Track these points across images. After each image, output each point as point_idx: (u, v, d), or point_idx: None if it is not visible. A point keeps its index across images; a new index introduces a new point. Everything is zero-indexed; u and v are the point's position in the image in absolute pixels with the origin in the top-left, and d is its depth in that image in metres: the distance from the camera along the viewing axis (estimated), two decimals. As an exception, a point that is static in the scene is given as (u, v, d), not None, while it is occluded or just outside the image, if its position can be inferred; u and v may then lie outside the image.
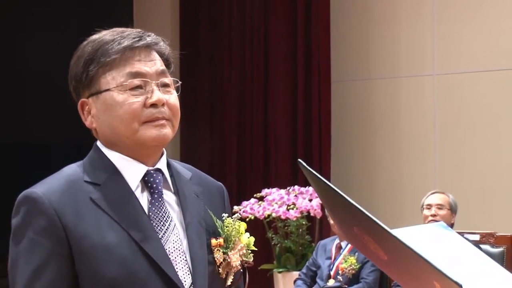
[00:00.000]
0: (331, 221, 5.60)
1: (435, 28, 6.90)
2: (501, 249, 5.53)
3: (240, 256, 1.94)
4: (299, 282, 6.01)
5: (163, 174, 1.94)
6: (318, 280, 5.94)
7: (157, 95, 1.86)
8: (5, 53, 8.84)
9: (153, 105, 1.86)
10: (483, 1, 6.60)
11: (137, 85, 1.87)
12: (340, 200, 1.42)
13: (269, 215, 6.14)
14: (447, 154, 6.78)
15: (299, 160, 1.64)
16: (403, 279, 1.50)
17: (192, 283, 1.86)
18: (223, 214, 1.98)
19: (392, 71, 7.13)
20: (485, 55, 6.60)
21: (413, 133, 6.99)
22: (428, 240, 1.44)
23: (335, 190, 1.45)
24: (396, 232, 1.38)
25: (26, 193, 1.84)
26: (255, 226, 6.12)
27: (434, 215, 5.60)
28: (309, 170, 1.50)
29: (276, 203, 6.17)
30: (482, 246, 5.55)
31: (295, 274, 6.14)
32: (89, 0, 9.16)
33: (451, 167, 6.73)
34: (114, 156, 1.91)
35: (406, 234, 1.41)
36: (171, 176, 1.97)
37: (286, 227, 6.27)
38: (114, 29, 1.94)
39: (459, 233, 5.66)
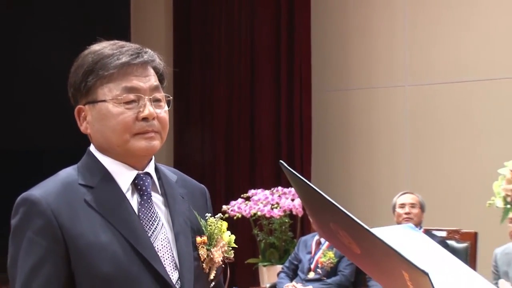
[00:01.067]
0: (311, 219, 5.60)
1: (407, 41, 6.90)
2: (465, 244, 5.55)
3: (222, 252, 1.93)
4: (282, 274, 6.02)
5: (151, 177, 1.93)
6: (299, 272, 5.96)
7: (149, 109, 1.85)
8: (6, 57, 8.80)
9: (145, 118, 1.84)
10: (453, 16, 6.57)
11: (131, 100, 1.86)
12: (319, 198, 1.42)
13: (255, 214, 6.17)
14: (418, 159, 6.79)
15: (281, 161, 1.64)
16: (374, 271, 1.50)
17: (179, 277, 1.86)
18: (206, 214, 1.98)
19: (368, 82, 7.14)
20: (453, 67, 6.60)
21: (387, 139, 7.00)
22: (398, 238, 1.43)
23: (314, 189, 1.45)
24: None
25: (24, 195, 1.83)
26: (242, 223, 6.14)
27: (408, 213, 5.63)
28: (290, 170, 1.49)
29: (261, 202, 6.21)
30: (448, 241, 5.56)
31: (279, 267, 6.16)
32: (87, 16, 9.13)
33: (421, 171, 6.74)
34: (106, 161, 1.89)
35: (378, 232, 1.40)
36: (158, 179, 1.96)
37: (270, 225, 6.29)
38: (115, 42, 1.93)
39: (427, 229, 5.73)
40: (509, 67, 6.28)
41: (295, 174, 1.47)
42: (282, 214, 6.18)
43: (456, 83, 6.58)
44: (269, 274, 6.29)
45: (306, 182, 1.46)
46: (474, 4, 6.43)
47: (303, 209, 6.02)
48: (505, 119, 6.27)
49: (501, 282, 5.12)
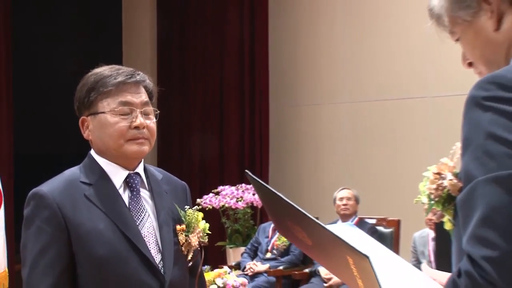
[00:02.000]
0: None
1: (345, 62, 6.89)
2: (391, 229, 5.59)
3: (198, 238, 1.94)
4: (245, 254, 6.02)
5: (140, 176, 1.93)
6: (259, 253, 5.97)
7: (140, 120, 1.86)
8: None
9: (136, 127, 1.85)
10: (388, 39, 6.58)
11: (126, 112, 1.86)
12: (278, 200, 1.39)
13: (223, 206, 6.18)
14: (354, 162, 6.81)
15: (246, 171, 1.63)
16: (324, 259, 1.47)
17: (161, 259, 1.86)
18: (186, 206, 1.98)
19: (314, 99, 7.14)
20: (381, 87, 6.63)
21: (330, 147, 7.00)
22: (341, 231, 1.40)
23: (274, 192, 1.42)
24: None
25: (35, 190, 1.84)
26: (212, 214, 6.10)
27: (345, 205, 5.66)
28: (254, 178, 1.47)
29: (228, 196, 6.22)
30: (377, 227, 5.60)
31: (242, 249, 6.16)
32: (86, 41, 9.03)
33: (357, 171, 6.76)
34: (103, 162, 1.90)
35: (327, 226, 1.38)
36: (146, 177, 1.95)
37: (235, 214, 6.30)
38: (113, 66, 1.94)
39: (361, 218, 5.72)
40: (423, 87, 6.32)
41: (258, 181, 1.45)
42: (245, 206, 6.20)
43: (384, 101, 6.61)
44: (234, 254, 6.29)
45: (267, 187, 1.44)
46: (400, 35, 6.45)
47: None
48: (422, 131, 6.32)
49: (423, 265, 5.15)
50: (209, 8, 7.63)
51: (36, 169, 7.47)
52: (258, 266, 5.75)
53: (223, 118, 7.52)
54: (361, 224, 5.57)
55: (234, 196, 6.21)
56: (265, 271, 5.73)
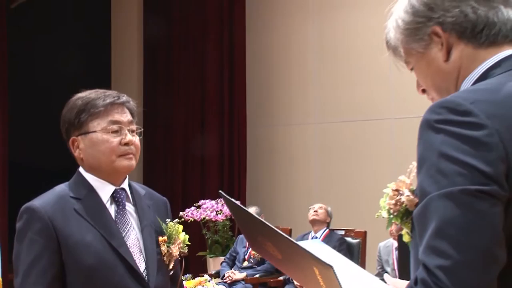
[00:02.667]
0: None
1: (314, 87, 6.94)
2: (358, 240, 5.57)
3: (179, 248, 1.94)
4: (224, 263, 5.99)
5: (126, 191, 1.93)
6: (237, 262, 5.94)
7: (129, 137, 1.87)
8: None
9: (126, 143, 1.86)
10: (354, 66, 6.62)
11: (115, 130, 1.86)
12: (250, 218, 1.38)
13: (204, 218, 6.15)
14: (325, 178, 6.84)
15: (220, 191, 1.64)
16: (293, 272, 1.46)
17: (145, 267, 1.86)
18: (167, 220, 1.98)
19: (287, 119, 7.16)
20: (349, 108, 6.67)
21: (301, 164, 7.02)
22: (309, 245, 1.40)
23: (246, 211, 1.42)
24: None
25: (27, 205, 1.82)
26: (194, 225, 6.08)
27: (316, 211, 5.61)
28: (227, 198, 1.46)
29: (208, 209, 6.18)
30: (346, 238, 5.58)
31: (221, 258, 6.13)
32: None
33: (327, 187, 6.77)
34: (91, 179, 1.89)
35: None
36: (131, 193, 1.95)
37: (215, 226, 6.27)
38: (96, 89, 1.93)
39: (332, 229, 5.71)
40: (385, 110, 6.38)
41: (231, 200, 1.44)
42: (224, 218, 6.17)
43: (350, 122, 6.65)
44: (214, 263, 6.25)
45: (240, 206, 1.44)
46: (366, 61, 6.51)
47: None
48: (385, 150, 6.37)
49: (386, 276, 5.15)
50: (191, 42, 7.64)
51: (29, 182, 7.40)
52: (236, 274, 5.72)
53: (204, 138, 7.51)
54: (331, 235, 5.58)
55: (214, 209, 6.19)
56: (243, 279, 5.70)
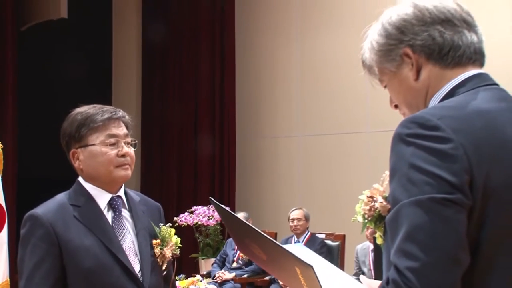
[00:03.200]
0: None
1: (297, 101, 6.96)
2: (337, 243, 5.57)
3: (171, 251, 1.93)
4: (215, 265, 5.96)
5: (122, 199, 1.93)
6: (226, 263, 5.91)
7: (125, 149, 1.87)
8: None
9: (123, 155, 1.86)
10: (333, 82, 6.63)
11: (113, 143, 1.86)
12: (237, 222, 1.38)
13: (196, 223, 6.11)
14: (306, 185, 6.84)
15: (210, 198, 1.64)
16: (277, 272, 1.45)
17: (140, 269, 1.85)
18: (160, 224, 1.97)
19: (272, 132, 7.17)
20: (331, 122, 6.67)
21: (286, 173, 7.02)
22: (292, 248, 1.40)
23: (234, 215, 1.41)
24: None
25: (31, 212, 1.81)
26: (187, 230, 6.05)
27: (296, 225, 5.61)
28: (217, 203, 1.46)
29: (201, 215, 6.15)
30: (326, 241, 5.58)
31: (212, 260, 6.10)
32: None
33: (309, 193, 6.78)
34: (90, 187, 1.88)
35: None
36: (127, 200, 1.94)
37: (207, 230, 6.24)
38: (94, 105, 1.93)
39: (313, 233, 5.68)
40: (362, 124, 6.40)
41: (221, 206, 1.43)
42: (215, 223, 6.14)
43: (330, 135, 6.67)
44: (206, 264, 6.22)
45: (229, 212, 1.43)
46: (343, 78, 6.53)
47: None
48: (361, 160, 6.38)
49: (362, 277, 5.14)
50: (184, 59, 7.64)
51: (34, 191, 7.31)
52: (226, 274, 5.70)
53: (196, 148, 7.48)
54: (312, 238, 5.56)
55: (206, 215, 6.16)
56: (232, 279, 5.67)
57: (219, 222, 6.14)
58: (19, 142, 6.90)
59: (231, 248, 5.92)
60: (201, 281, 5.23)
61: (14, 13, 6.77)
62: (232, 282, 5.66)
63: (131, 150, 1.90)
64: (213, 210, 6.18)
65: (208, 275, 5.87)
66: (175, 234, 1.96)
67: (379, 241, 1.23)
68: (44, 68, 9.02)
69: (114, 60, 8.30)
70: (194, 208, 6.26)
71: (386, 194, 1.21)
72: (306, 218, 5.67)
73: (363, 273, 5.31)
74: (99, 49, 8.81)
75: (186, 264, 6.45)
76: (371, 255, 5.25)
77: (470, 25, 1.23)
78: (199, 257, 6.30)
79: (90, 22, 9.01)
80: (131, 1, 8.15)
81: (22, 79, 7.19)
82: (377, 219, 1.22)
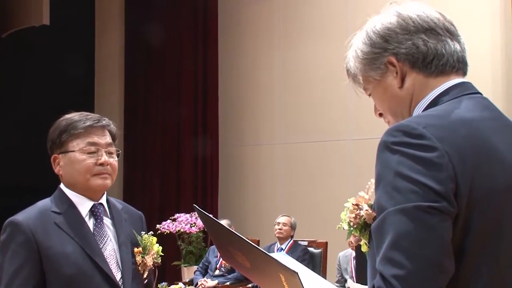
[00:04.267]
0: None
1: (281, 110, 6.97)
2: (319, 250, 5.57)
3: (152, 259, 1.92)
4: (197, 272, 5.93)
5: (104, 206, 1.92)
6: (209, 271, 5.88)
7: (104, 158, 1.85)
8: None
9: (101, 164, 1.84)
10: (316, 89, 6.62)
11: (92, 151, 1.84)
12: (221, 229, 1.37)
13: (179, 230, 6.06)
14: (290, 193, 6.84)
15: (194, 205, 1.62)
16: (260, 279, 1.43)
17: (121, 276, 1.84)
18: (142, 232, 1.96)
19: (255, 140, 7.16)
20: (313, 130, 6.69)
21: (269, 181, 7.01)
22: (276, 256, 1.39)
23: (218, 222, 1.40)
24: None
25: (11, 219, 1.80)
26: (169, 237, 5.99)
27: (280, 229, 5.62)
28: (200, 210, 1.45)
29: (183, 222, 6.10)
30: (309, 248, 5.58)
31: (195, 267, 6.06)
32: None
33: (293, 201, 6.78)
34: (71, 194, 1.87)
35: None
36: (109, 207, 1.95)
37: (189, 238, 6.19)
38: (82, 112, 1.92)
39: (296, 240, 5.68)
40: (345, 131, 6.43)
41: (205, 213, 1.43)
42: (198, 230, 6.09)
43: (312, 142, 6.68)
44: (188, 272, 6.17)
45: (213, 219, 1.42)
46: (328, 85, 6.55)
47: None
48: (345, 168, 6.41)
49: (349, 281, 5.15)
50: (167, 67, 7.62)
51: (12, 199, 7.20)
52: (208, 282, 5.66)
53: (179, 155, 7.46)
54: (295, 245, 5.56)
55: (189, 222, 6.11)
56: (214, 287, 5.64)
57: (201, 229, 6.10)
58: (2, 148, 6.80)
59: (213, 255, 5.89)
60: (183, 288, 5.19)
61: (-4, 19, 6.70)
62: (215, 289, 5.63)
63: (113, 160, 1.88)
64: (196, 218, 6.15)
65: (190, 282, 5.83)
66: (156, 242, 1.94)
67: (364, 248, 1.22)
68: (26, 74, 8.93)
69: (97, 66, 8.25)
70: (176, 215, 6.22)
71: (372, 202, 1.21)
72: (292, 226, 5.66)
73: (345, 281, 5.32)
74: (82, 55, 8.74)
75: (168, 272, 6.40)
76: (353, 263, 5.26)
77: (453, 34, 1.24)
78: (182, 265, 6.25)
79: (72, 28, 8.94)
80: (114, 6, 8.11)
81: (3, 86, 7.11)
82: (362, 226, 1.22)
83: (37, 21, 7.02)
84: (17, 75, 8.61)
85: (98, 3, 8.23)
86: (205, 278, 5.73)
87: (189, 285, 5.64)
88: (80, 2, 8.52)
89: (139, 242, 1.92)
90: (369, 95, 1.30)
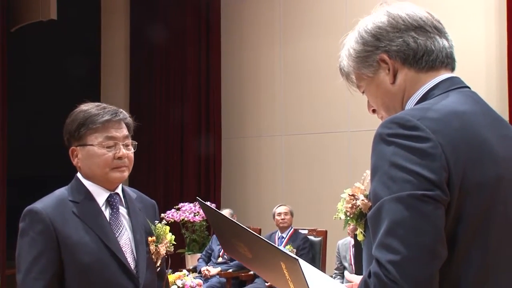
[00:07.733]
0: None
1: (281, 102, 6.97)
2: (319, 238, 5.58)
3: (165, 247, 1.93)
4: (201, 260, 5.95)
5: (119, 196, 1.92)
6: (212, 258, 5.90)
7: (122, 152, 1.86)
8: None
9: (119, 157, 1.85)
10: (314, 83, 6.61)
11: (110, 145, 1.85)
12: (224, 221, 1.37)
13: (183, 219, 6.09)
14: (290, 183, 6.85)
15: (197, 197, 1.64)
16: (262, 270, 1.43)
17: (136, 265, 1.85)
18: (156, 221, 1.97)
19: (257, 131, 7.17)
20: (313, 122, 6.68)
21: (270, 172, 7.02)
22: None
23: (220, 214, 1.41)
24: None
25: (30, 207, 1.80)
26: (174, 226, 6.01)
27: (283, 219, 5.63)
28: (204, 203, 1.46)
29: (187, 211, 6.13)
30: (309, 237, 5.59)
31: (198, 255, 6.09)
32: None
33: (292, 190, 6.79)
34: (88, 184, 1.88)
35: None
36: (124, 197, 1.94)
37: (193, 226, 6.22)
38: (99, 104, 1.90)
39: (296, 229, 5.71)
40: (343, 123, 6.44)
41: (207, 205, 1.43)
42: (201, 219, 6.13)
43: (312, 134, 6.68)
44: (192, 259, 6.20)
45: (215, 210, 1.42)
46: (326, 80, 6.55)
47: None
48: (343, 158, 6.42)
49: (346, 272, 5.17)
50: (171, 61, 7.61)
51: (24, 189, 7.23)
52: (211, 270, 5.69)
53: (183, 147, 7.46)
54: (295, 234, 5.58)
55: (192, 211, 6.14)
56: (217, 273, 5.67)
57: (205, 218, 6.13)
58: (9, 141, 6.82)
59: (216, 243, 5.92)
60: (187, 275, 5.21)
61: (4, 14, 6.71)
62: (218, 276, 5.66)
63: (129, 152, 1.89)
64: (199, 207, 6.17)
65: (194, 269, 5.86)
66: (169, 231, 1.95)
67: (360, 237, 1.25)
68: (34, 68, 8.94)
69: (103, 60, 8.24)
70: (180, 204, 6.25)
71: (367, 192, 1.22)
72: (291, 214, 5.70)
73: (345, 268, 5.34)
74: (88, 50, 8.75)
75: (173, 259, 6.40)
76: (351, 250, 5.29)
77: (441, 32, 1.26)
78: (186, 253, 6.29)
79: (79, 23, 8.94)
80: (119, 3, 8.10)
81: (12, 80, 7.12)
82: (358, 216, 1.24)
83: (44, 16, 7.02)
84: (24, 69, 8.62)
85: (103, 0, 8.22)
86: (207, 267, 5.76)
87: (192, 272, 5.66)
88: (86, -2, 8.52)
89: (153, 231, 1.92)
90: (363, 92, 1.32)
